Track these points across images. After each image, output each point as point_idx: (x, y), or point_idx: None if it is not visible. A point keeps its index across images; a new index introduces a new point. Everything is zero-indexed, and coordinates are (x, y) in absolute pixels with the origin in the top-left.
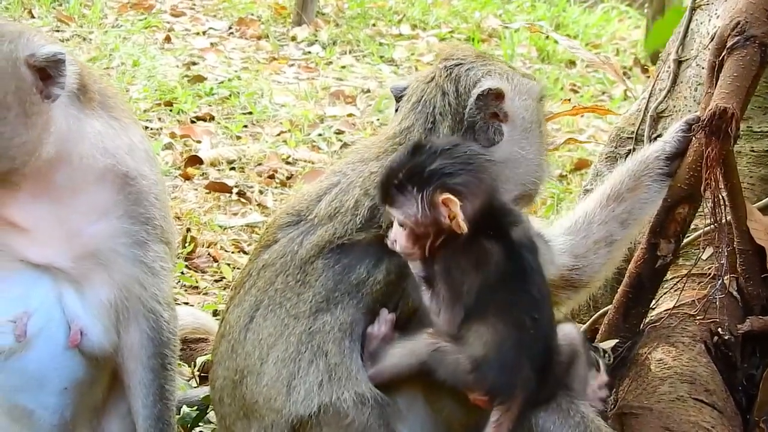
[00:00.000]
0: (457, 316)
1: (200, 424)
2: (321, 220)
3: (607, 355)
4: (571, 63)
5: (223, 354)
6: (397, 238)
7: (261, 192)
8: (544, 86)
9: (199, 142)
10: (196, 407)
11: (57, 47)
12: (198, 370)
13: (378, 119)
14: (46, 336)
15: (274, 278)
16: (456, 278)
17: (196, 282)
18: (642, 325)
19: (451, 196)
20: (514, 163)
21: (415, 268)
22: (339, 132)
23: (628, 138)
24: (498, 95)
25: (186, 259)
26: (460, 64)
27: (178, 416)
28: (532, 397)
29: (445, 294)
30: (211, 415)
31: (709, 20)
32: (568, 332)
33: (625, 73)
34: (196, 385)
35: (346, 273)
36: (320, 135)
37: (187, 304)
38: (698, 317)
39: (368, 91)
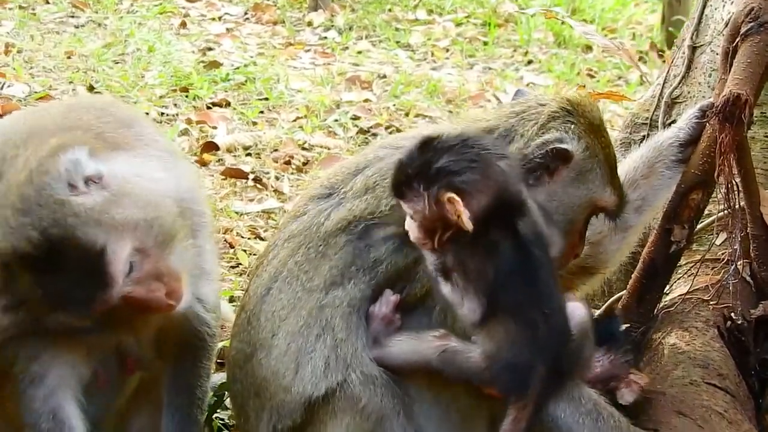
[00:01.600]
0: (480, 304)
1: (218, 410)
2: (354, 194)
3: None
4: (588, 48)
5: (240, 326)
6: (410, 229)
7: (277, 178)
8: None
9: (215, 128)
10: (213, 394)
11: None
12: (216, 357)
13: (394, 104)
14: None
15: (297, 250)
16: (470, 269)
17: None
18: (656, 310)
19: (455, 196)
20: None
21: (430, 258)
22: (355, 117)
23: (643, 124)
24: (566, 158)
25: None
26: (569, 112)
27: None
28: (548, 392)
29: (463, 284)
30: (229, 401)
31: (723, 6)
32: (578, 314)
33: (641, 58)
34: (213, 372)
35: (366, 250)
36: (336, 120)
37: None
38: (711, 302)
39: (384, 76)
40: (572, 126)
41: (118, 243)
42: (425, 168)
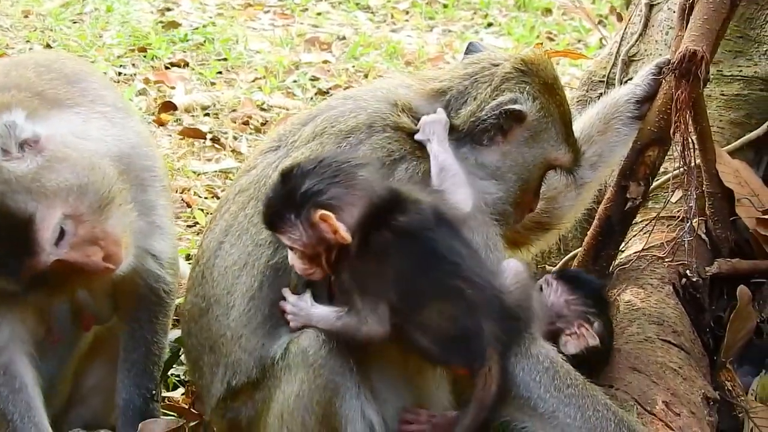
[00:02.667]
0: (383, 315)
1: (174, 366)
2: (301, 143)
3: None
4: (547, 11)
5: (195, 280)
6: (294, 262)
7: (235, 138)
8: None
9: (173, 88)
10: (169, 349)
11: None
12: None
13: (353, 66)
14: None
15: (246, 203)
16: (366, 281)
17: None
18: (611, 268)
19: (326, 212)
20: (486, 173)
21: (323, 286)
22: (314, 78)
23: (600, 81)
24: (519, 118)
25: None
26: (523, 72)
27: None
28: (506, 348)
29: (361, 301)
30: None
31: None
32: (516, 270)
33: (600, 22)
34: (170, 328)
35: None
36: (295, 81)
37: None
38: (667, 259)
39: (344, 37)
40: (526, 87)
41: (48, 210)
42: (291, 196)
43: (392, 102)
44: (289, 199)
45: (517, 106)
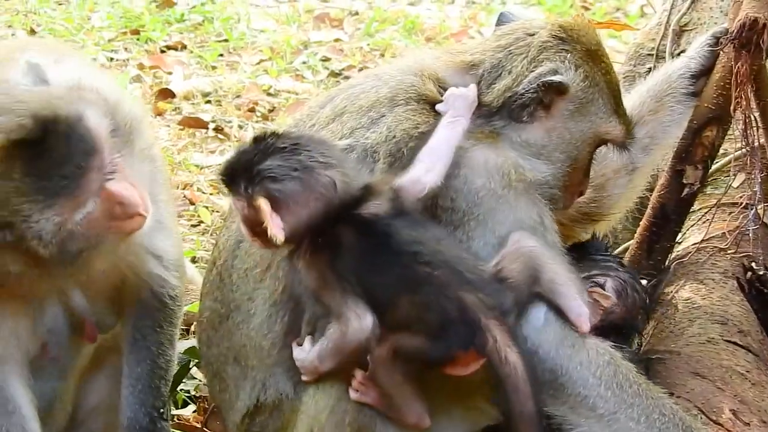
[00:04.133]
0: (362, 309)
1: (184, 381)
2: (320, 126)
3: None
4: None
5: (212, 283)
6: (238, 223)
7: (240, 127)
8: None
9: (170, 73)
10: (178, 362)
11: None
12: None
13: (368, 44)
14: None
15: None
16: (334, 281)
17: None
18: (667, 262)
19: (264, 204)
20: (531, 152)
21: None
22: (325, 59)
23: (648, 55)
24: (561, 90)
25: None
26: (562, 40)
27: None
28: (501, 310)
29: (335, 303)
30: (194, 371)
31: None
32: (516, 241)
33: None
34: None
35: None
36: (304, 63)
37: None
38: (729, 251)
39: (356, 13)
40: (567, 55)
41: (98, 117)
42: (249, 167)
43: (417, 73)
44: (245, 169)
45: (557, 78)
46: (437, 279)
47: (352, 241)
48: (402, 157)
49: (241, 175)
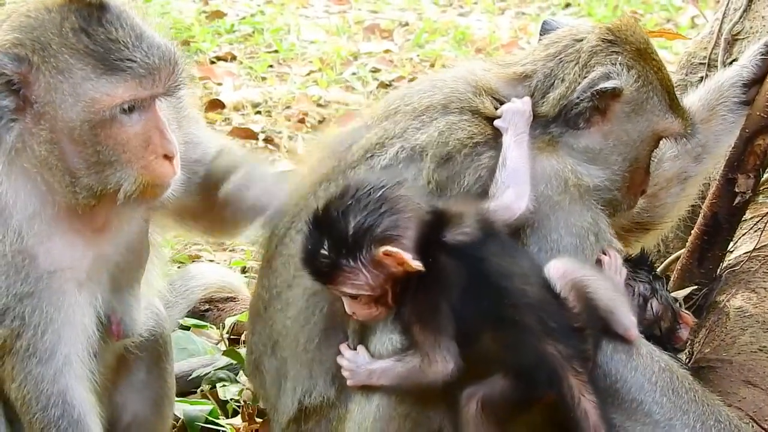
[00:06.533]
0: (450, 349)
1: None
2: (374, 123)
3: (678, 304)
4: None
5: (261, 270)
6: (356, 311)
7: (290, 138)
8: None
9: (220, 84)
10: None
11: None
12: (227, 332)
13: (418, 55)
14: None
15: (318, 185)
16: (424, 313)
17: None
18: (719, 270)
19: (389, 248)
20: (589, 158)
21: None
22: (375, 70)
23: (700, 64)
24: (616, 94)
25: None
26: (611, 42)
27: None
28: (581, 356)
29: (423, 336)
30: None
31: None
32: (558, 271)
33: None
34: (225, 348)
35: None
36: (354, 74)
37: (212, 261)
38: None
39: (406, 24)
40: (618, 57)
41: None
42: (342, 241)
43: (471, 83)
44: (341, 244)
45: (611, 84)
46: (520, 323)
47: (445, 268)
48: (453, 163)
49: (341, 252)
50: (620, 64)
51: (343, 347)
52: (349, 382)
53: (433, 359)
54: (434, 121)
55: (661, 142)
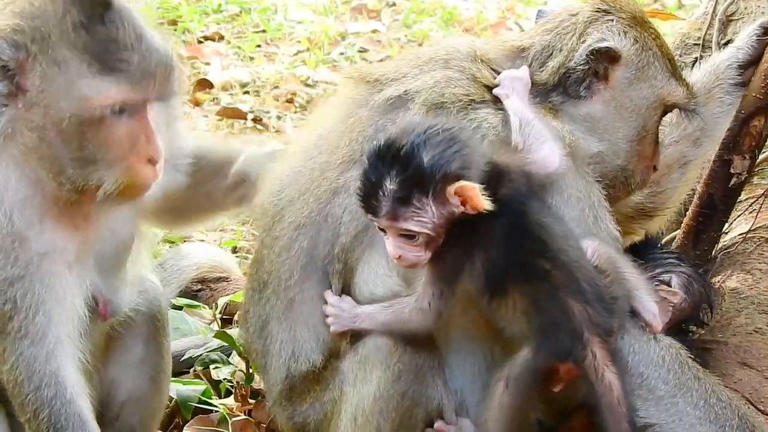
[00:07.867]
0: (445, 302)
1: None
2: (383, 84)
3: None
4: None
5: (262, 228)
6: (405, 254)
7: (279, 118)
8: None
9: (208, 64)
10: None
11: None
12: (220, 312)
13: (406, 35)
14: None
15: (317, 152)
16: (446, 263)
17: None
18: (714, 252)
19: (465, 183)
20: (589, 126)
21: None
22: (362, 50)
23: (695, 45)
24: (613, 57)
25: None
26: (606, 12)
27: (198, 357)
28: (608, 327)
29: (435, 283)
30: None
31: None
32: (593, 246)
33: None
34: (217, 329)
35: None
36: (342, 54)
37: (202, 241)
38: None
39: (394, 4)
40: (613, 23)
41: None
42: (415, 175)
43: (470, 51)
44: (413, 180)
45: (606, 44)
46: (553, 278)
47: (488, 217)
48: (445, 114)
49: (412, 187)
50: (615, 29)
51: (328, 293)
52: (333, 328)
53: (423, 303)
54: (432, 72)
55: (666, 115)
